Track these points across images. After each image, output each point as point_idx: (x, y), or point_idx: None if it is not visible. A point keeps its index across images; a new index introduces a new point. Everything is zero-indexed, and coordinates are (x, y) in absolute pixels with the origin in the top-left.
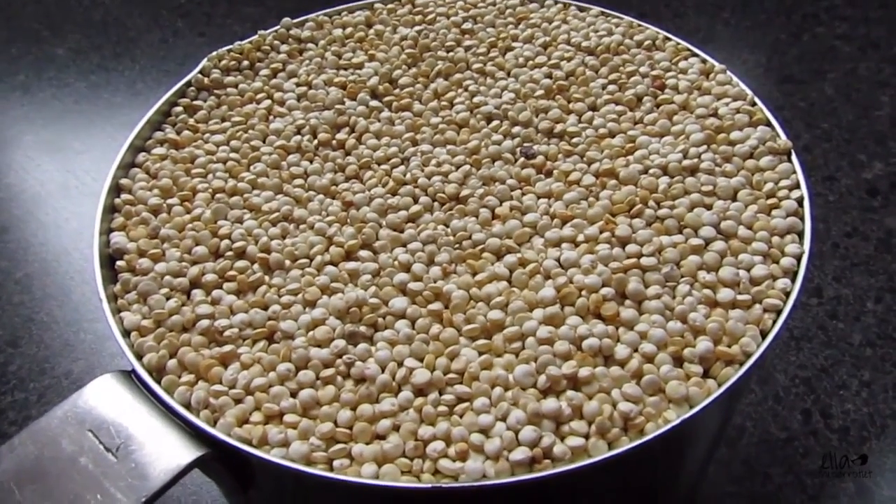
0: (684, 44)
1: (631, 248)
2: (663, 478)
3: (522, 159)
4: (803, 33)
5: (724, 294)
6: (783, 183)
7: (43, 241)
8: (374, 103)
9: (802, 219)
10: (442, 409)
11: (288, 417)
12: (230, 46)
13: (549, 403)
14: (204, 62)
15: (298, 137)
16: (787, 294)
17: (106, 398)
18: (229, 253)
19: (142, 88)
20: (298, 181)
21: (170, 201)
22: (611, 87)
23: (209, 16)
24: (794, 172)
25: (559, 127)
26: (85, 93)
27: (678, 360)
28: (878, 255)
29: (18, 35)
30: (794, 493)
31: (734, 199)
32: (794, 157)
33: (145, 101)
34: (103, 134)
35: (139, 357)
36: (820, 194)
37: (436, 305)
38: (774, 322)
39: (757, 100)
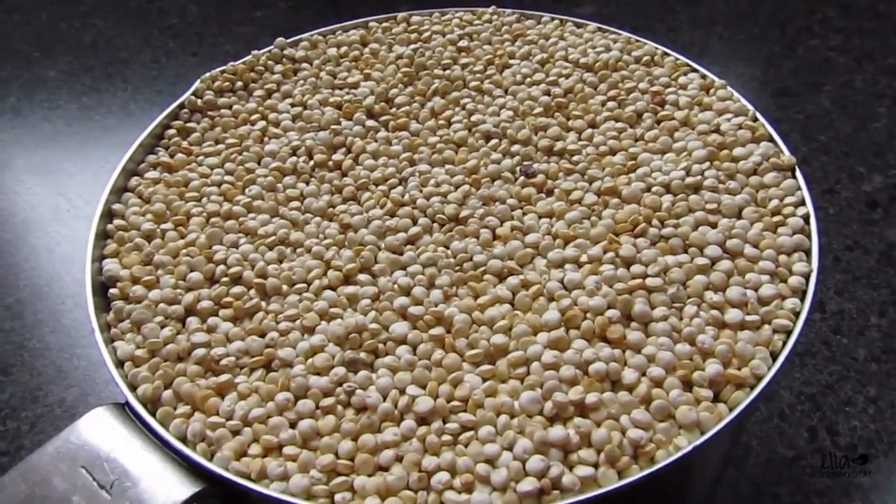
0: (683, 59)
1: (636, 268)
2: (672, 503)
3: (522, 178)
4: (798, 46)
5: (733, 315)
6: (788, 200)
7: (34, 265)
8: (370, 123)
9: (809, 236)
10: (446, 438)
11: (287, 449)
12: (223, 67)
13: (557, 431)
14: (197, 84)
15: (294, 159)
16: (797, 314)
17: (99, 432)
18: (225, 279)
19: (134, 109)
20: (294, 203)
21: (163, 226)
22: (610, 104)
23: (201, 35)
24: (799, 189)
25: (559, 145)
26: (77, 115)
27: (687, 384)
28: (880, 269)
29: (9, 57)
30: None
31: (739, 216)
32: (798, 173)
33: (138, 122)
34: (95, 156)
35: (133, 388)
36: (820, 207)
37: (437, 330)
38: (784, 343)
39: (759, 115)
